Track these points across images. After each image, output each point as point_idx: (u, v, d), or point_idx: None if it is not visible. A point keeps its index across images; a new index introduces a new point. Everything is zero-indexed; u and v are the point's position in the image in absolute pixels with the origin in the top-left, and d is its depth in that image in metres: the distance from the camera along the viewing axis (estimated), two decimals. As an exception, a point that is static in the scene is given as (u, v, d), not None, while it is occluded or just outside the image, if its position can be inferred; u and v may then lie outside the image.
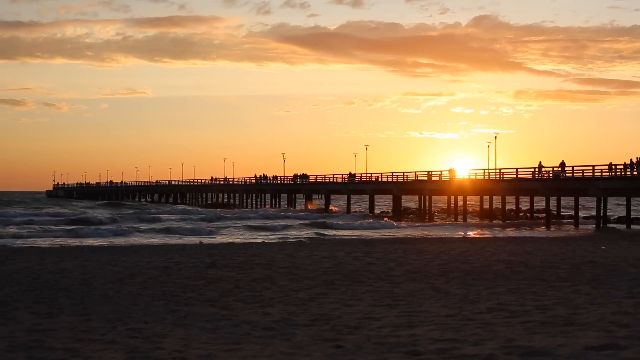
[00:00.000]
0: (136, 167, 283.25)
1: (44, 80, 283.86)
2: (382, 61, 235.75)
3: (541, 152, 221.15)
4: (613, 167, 54.55)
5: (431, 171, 72.85)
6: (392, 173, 78.34)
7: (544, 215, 64.68)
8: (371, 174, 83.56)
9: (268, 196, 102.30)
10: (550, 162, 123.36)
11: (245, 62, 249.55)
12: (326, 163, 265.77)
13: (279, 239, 42.92)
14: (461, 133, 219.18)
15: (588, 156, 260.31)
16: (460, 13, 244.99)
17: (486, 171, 67.47)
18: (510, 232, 50.54)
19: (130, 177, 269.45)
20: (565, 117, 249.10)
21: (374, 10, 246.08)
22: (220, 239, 43.84)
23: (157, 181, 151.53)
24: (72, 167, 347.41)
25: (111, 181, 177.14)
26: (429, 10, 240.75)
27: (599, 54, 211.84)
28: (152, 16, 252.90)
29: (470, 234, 48.67)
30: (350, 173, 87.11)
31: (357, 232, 51.21)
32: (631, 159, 58.53)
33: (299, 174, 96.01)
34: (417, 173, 74.73)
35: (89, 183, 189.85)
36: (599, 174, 55.00)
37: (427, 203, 73.69)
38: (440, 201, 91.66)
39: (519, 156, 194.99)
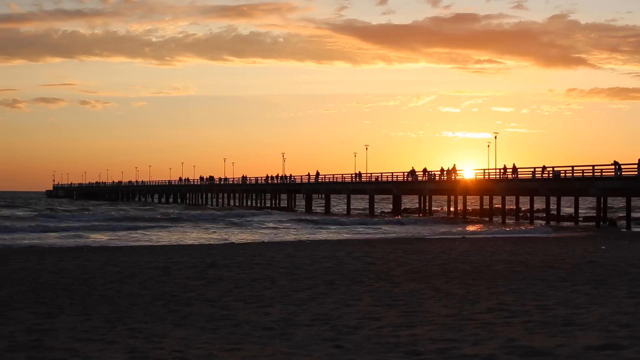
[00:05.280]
0: (136, 167, 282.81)
1: (91, 78, 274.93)
2: (446, 58, 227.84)
3: (561, 151, 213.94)
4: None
5: (420, 171, 72.81)
6: (392, 173, 78.34)
7: (544, 215, 64.61)
8: (371, 173, 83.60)
9: (268, 196, 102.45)
10: (568, 162, 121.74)
11: (306, 61, 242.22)
12: (343, 163, 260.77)
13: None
14: (494, 132, 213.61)
15: (611, 156, 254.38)
16: (535, 12, 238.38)
17: (486, 171, 67.47)
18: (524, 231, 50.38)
19: (129, 177, 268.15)
20: (603, 116, 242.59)
21: (451, 8, 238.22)
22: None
23: (166, 181, 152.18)
24: (73, 167, 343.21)
25: (118, 182, 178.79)
26: (503, 8, 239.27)
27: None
28: (221, 4, 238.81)
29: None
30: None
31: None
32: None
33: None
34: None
35: (102, 183, 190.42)
36: (599, 173, 54.99)
37: (427, 203, 73.68)
38: (437, 200, 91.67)
39: (537, 156, 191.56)
